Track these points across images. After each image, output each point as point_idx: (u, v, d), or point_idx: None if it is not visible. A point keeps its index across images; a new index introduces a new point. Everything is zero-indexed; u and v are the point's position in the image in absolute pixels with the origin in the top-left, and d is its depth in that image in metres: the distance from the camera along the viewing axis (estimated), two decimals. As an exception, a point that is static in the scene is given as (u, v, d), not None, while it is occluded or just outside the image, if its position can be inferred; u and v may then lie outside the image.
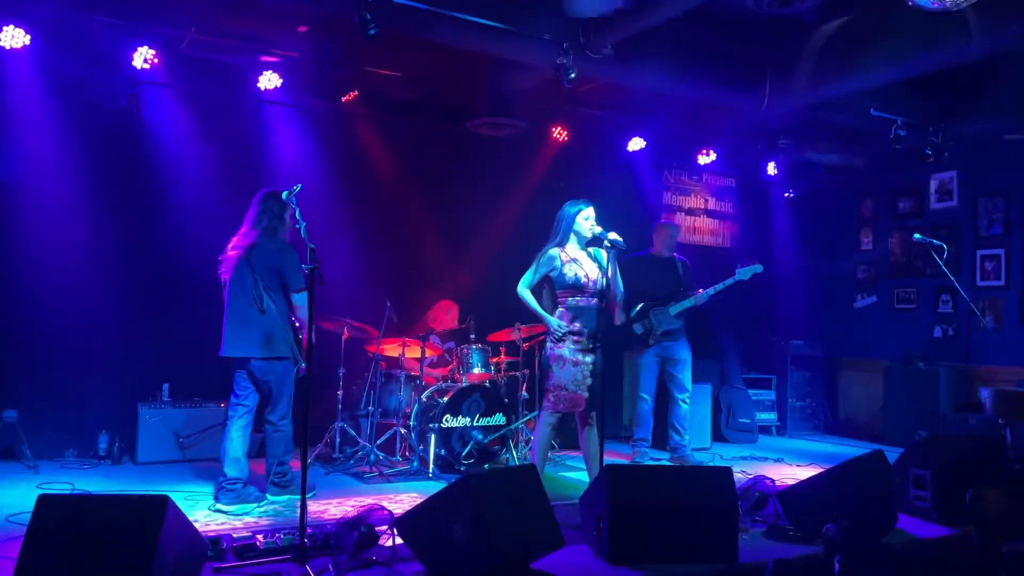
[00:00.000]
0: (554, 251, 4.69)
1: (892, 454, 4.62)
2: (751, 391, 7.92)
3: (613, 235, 4.55)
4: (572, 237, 4.71)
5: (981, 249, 7.50)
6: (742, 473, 5.77)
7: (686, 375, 6.37)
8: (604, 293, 4.61)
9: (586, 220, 4.69)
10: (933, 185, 7.94)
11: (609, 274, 4.59)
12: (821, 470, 4.65)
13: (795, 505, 4.08)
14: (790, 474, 5.93)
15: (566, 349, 4.61)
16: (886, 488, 4.22)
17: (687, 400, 6.38)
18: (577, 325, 4.61)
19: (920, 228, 7.47)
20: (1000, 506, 2.98)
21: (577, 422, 4.80)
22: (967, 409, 6.61)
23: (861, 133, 7.39)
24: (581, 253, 4.72)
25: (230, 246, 4.73)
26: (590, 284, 4.63)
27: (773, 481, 4.67)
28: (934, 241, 6.29)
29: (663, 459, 6.43)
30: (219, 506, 4.46)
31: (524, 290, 4.75)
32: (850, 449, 6.99)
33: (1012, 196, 7.29)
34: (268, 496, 4.70)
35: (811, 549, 3.77)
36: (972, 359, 7.31)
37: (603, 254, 4.67)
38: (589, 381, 4.60)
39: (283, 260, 4.59)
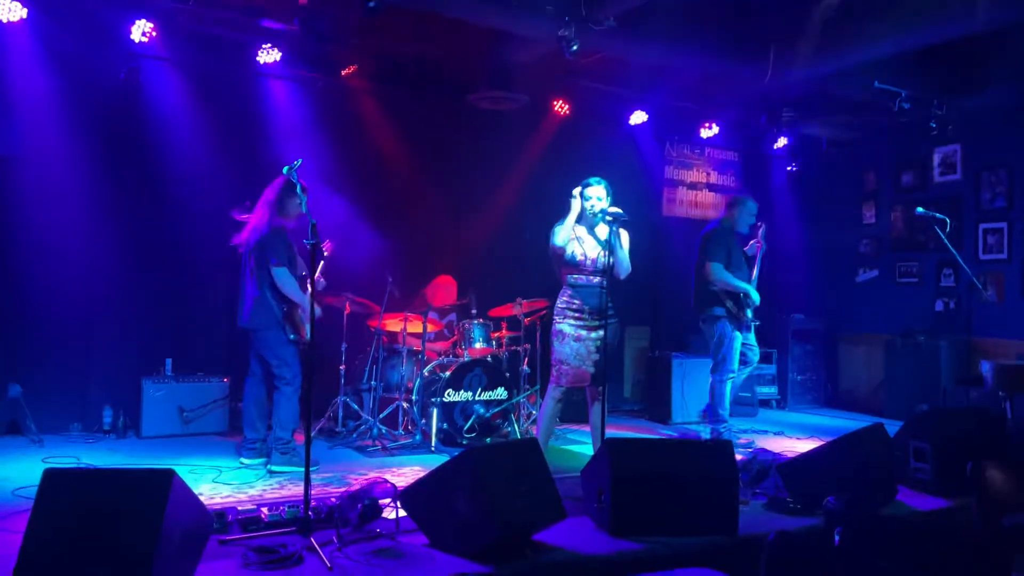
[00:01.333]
0: (557, 227, 4.71)
1: (892, 427, 4.64)
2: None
3: (612, 209, 4.54)
4: (574, 214, 4.70)
5: (984, 223, 7.48)
6: (744, 442, 5.83)
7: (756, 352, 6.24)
8: (607, 271, 4.57)
9: (587, 200, 4.67)
10: (936, 159, 7.90)
11: (610, 250, 4.55)
12: (821, 443, 4.68)
13: (795, 478, 4.10)
14: (790, 447, 5.97)
15: (566, 325, 4.65)
16: (886, 461, 4.25)
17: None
18: (577, 302, 4.63)
19: (923, 202, 7.44)
20: (1000, 479, 3.00)
21: (587, 396, 4.81)
22: (968, 382, 6.62)
23: (865, 106, 7.33)
24: (583, 230, 4.72)
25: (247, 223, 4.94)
26: (587, 262, 4.64)
27: (774, 454, 4.71)
28: (937, 215, 6.27)
29: (663, 431, 6.45)
30: (242, 460, 4.92)
31: (556, 236, 4.67)
32: (850, 422, 7.02)
33: (1015, 170, 7.25)
34: (270, 465, 4.79)
35: (812, 521, 3.81)
36: (974, 332, 7.32)
37: (604, 230, 4.65)
38: (595, 356, 4.60)
39: (266, 237, 4.76)
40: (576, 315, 4.64)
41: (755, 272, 6.11)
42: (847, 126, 8.10)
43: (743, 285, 5.93)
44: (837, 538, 2.24)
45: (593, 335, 4.62)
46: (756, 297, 5.97)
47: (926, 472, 4.49)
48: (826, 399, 8.45)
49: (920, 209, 6.39)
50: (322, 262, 5.24)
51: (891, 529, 2.40)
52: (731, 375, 6.01)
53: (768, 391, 8.13)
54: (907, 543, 2.32)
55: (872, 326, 8.23)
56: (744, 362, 6.11)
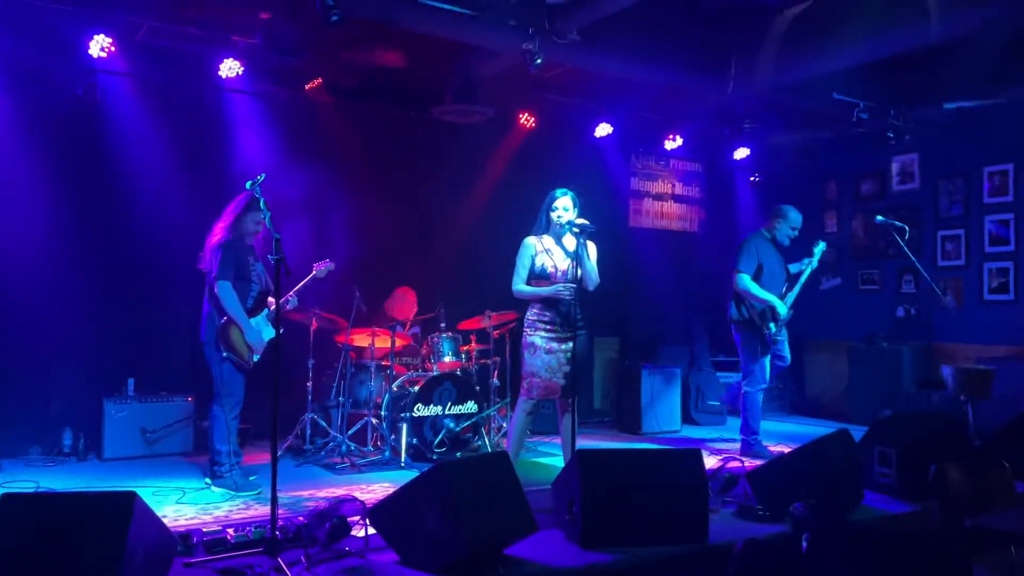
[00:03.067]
0: (531, 240, 4.72)
1: (858, 432, 4.70)
2: (719, 374, 8.00)
3: (579, 220, 4.56)
4: (544, 228, 4.72)
5: (942, 230, 7.65)
6: (713, 453, 5.86)
7: (785, 362, 6.23)
8: (576, 281, 4.56)
9: (554, 211, 4.69)
10: (895, 168, 8.07)
11: (578, 261, 4.56)
12: (789, 449, 4.72)
13: (764, 485, 4.14)
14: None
15: (538, 337, 4.63)
16: (852, 466, 4.30)
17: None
18: (548, 314, 4.63)
19: (883, 210, 7.59)
20: (962, 482, 3.05)
21: (557, 408, 4.81)
22: (929, 387, 6.74)
23: (824, 117, 7.47)
24: (551, 241, 4.73)
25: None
26: (558, 274, 4.64)
27: (742, 462, 4.74)
28: (896, 223, 6.39)
29: (633, 443, 6.47)
30: (207, 480, 4.85)
31: (519, 288, 4.71)
32: (816, 428, 7.10)
33: (971, 178, 7.44)
34: (208, 481, 4.78)
35: (780, 528, 3.84)
36: (934, 337, 7.46)
37: (572, 241, 4.67)
38: (566, 368, 4.58)
39: (215, 252, 4.70)
40: (547, 327, 4.63)
41: (795, 288, 6.04)
42: (808, 137, 8.24)
43: (768, 297, 5.84)
44: (805, 544, 2.26)
45: (563, 347, 4.59)
46: (783, 311, 5.88)
47: (891, 476, 4.55)
48: (792, 406, 8.54)
49: (880, 217, 6.52)
50: (307, 280, 5.18)
51: (857, 534, 2.43)
52: (762, 386, 6.01)
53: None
54: (873, 547, 2.35)
55: (836, 333, 8.36)
56: (772, 370, 6.14)
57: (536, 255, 4.67)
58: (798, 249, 6.22)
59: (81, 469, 5.36)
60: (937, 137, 7.56)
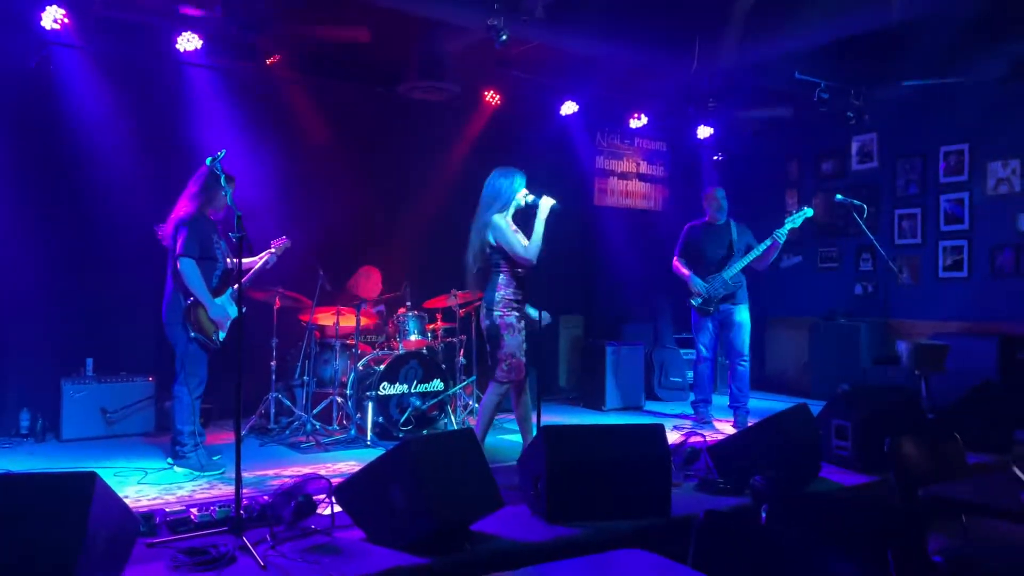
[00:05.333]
0: (503, 220, 4.61)
1: (817, 407, 4.80)
2: (682, 351, 8.10)
3: (530, 197, 4.64)
4: (511, 207, 4.68)
5: (899, 208, 7.80)
6: (675, 429, 5.96)
7: (743, 339, 6.30)
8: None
9: (522, 192, 4.67)
10: (855, 147, 8.19)
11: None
12: (750, 424, 4.81)
13: (725, 459, 4.22)
14: (721, 429, 6.12)
15: (513, 317, 4.61)
16: (811, 439, 4.40)
17: (744, 363, 6.34)
18: (521, 294, 4.67)
19: (842, 189, 7.71)
20: (916, 453, 3.14)
21: (514, 388, 4.74)
22: (886, 362, 6.91)
23: (786, 96, 7.55)
24: (512, 222, 4.71)
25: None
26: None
27: (704, 436, 4.82)
28: (855, 201, 6.50)
29: (597, 419, 6.54)
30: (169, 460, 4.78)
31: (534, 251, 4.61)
32: (777, 403, 7.24)
33: (928, 157, 7.58)
34: (170, 461, 4.74)
35: (741, 500, 3.92)
36: (891, 314, 7.64)
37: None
38: (525, 346, 4.68)
39: (178, 228, 4.61)
40: (519, 307, 4.66)
41: (742, 260, 6.18)
42: (770, 116, 8.32)
43: (682, 273, 6.34)
44: (764, 516, 2.31)
45: (522, 324, 4.68)
46: (696, 285, 6.26)
47: (847, 449, 4.67)
48: (754, 381, 8.67)
49: (839, 196, 6.62)
50: (266, 257, 5.10)
51: (815, 504, 2.49)
52: (703, 358, 6.50)
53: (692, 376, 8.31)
54: (830, 516, 2.41)
55: (797, 310, 8.51)
56: (732, 353, 6.36)
57: (516, 232, 4.64)
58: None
59: (39, 450, 5.27)
60: (896, 117, 7.69)
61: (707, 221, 6.43)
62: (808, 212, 6.21)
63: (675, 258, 6.49)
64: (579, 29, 5.90)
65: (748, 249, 6.23)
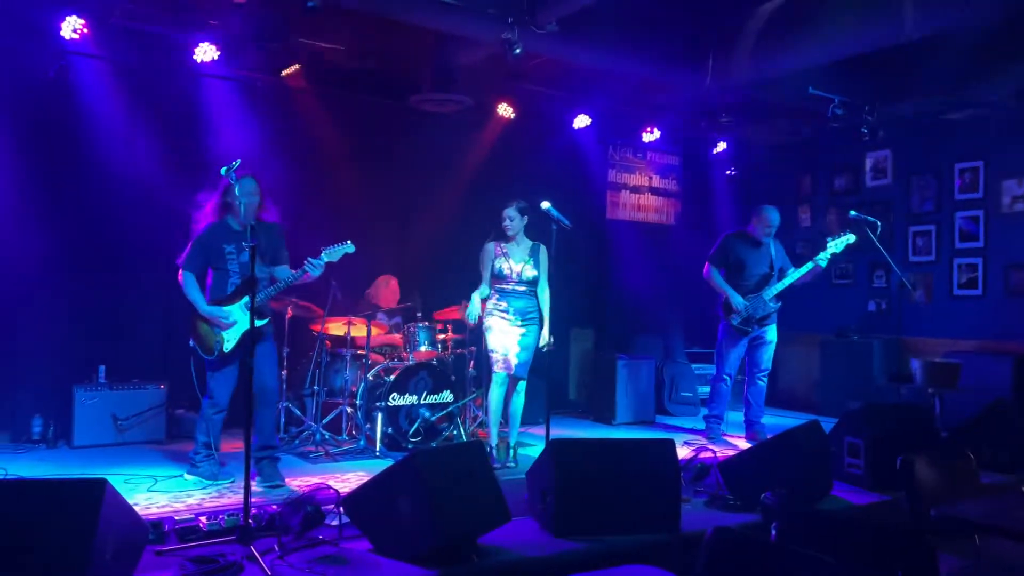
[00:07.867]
0: (490, 245, 5.30)
1: (828, 424, 4.77)
2: (693, 365, 8.07)
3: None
4: (502, 233, 5.27)
5: (913, 225, 7.75)
6: (685, 445, 5.92)
7: (769, 355, 6.32)
8: (530, 281, 5.23)
9: (502, 222, 5.23)
10: (868, 163, 8.16)
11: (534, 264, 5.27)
12: (760, 440, 4.78)
13: (735, 475, 4.19)
14: (733, 444, 6.07)
15: (493, 319, 5.26)
16: (822, 457, 4.37)
17: (765, 378, 6.36)
18: (503, 304, 5.22)
19: (856, 205, 7.67)
20: (928, 473, 3.11)
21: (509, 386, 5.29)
22: (899, 380, 6.86)
23: (800, 112, 7.53)
24: (513, 246, 5.27)
25: None
26: (512, 275, 5.23)
27: (714, 452, 4.80)
28: (868, 218, 6.47)
29: (607, 433, 6.51)
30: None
31: (484, 291, 5.31)
32: (788, 420, 7.18)
33: (943, 174, 7.54)
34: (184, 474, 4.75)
35: (751, 517, 3.89)
36: (904, 331, 7.57)
37: (527, 245, 5.30)
38: (517, 351, 5.19)
39: (189, 244, 4.67)
40: (502, 313, 5.24)
41: (783, 281, 6.14)
42: (784, 131, 8.31)
43: (727, 289, 6.16)
44: (774, 533, 2.29)
45: (515, 332, 5.21)
46: (737, 303, 6.12)
47: (859, 467, 4.63)
48: (766, 397, 8.61)
49: (853, 212, 6.59)
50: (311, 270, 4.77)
51: (825, 523, 2.47)
52: (724, 375, 6.32)
53: (709, 391, 8.26)
54: (840, 535, 2.39)
55: (808, 326, 8.44)
56: (755, 367, 6.32)
57: (496, 258, 5.25)
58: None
59: (51, 456, 5.30)
60: (910, 134, 7.65)
61: (749, 233, 6.33)
62: (851, 238, 6.11)
63: (708, 265, 6.28)
64: (592, 43, 5.92)
65: (783, 270, 6.21)
